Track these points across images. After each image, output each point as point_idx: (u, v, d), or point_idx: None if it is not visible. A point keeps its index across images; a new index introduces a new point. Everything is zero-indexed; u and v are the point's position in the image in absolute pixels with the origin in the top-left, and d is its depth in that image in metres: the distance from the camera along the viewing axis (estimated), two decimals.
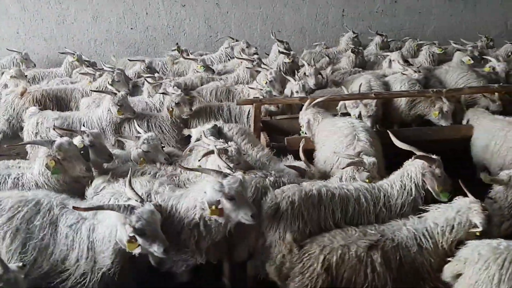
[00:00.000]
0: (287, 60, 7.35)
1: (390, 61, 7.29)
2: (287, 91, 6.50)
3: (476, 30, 11.05)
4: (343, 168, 3.91)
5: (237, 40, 8.83)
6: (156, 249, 2.94)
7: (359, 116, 5.49)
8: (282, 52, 7.54)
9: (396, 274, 3.12)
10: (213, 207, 3.03)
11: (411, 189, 3.51)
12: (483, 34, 10.71)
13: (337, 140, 4.49)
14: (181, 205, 3.30)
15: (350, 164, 3.84)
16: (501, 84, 6.07)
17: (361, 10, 10.40)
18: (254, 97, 5.53)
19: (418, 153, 3.59)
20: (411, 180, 3.52)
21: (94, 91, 6.02)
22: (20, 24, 9.51)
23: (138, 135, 4.53)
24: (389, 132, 4.02)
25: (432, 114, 5.78)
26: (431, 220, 3.21)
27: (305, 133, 5.13)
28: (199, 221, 3.20)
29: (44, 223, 3.19)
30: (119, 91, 5.75)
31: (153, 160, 4.36)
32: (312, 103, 5.24)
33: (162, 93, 5.82)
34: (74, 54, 7.85)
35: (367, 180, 3.73)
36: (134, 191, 3.17)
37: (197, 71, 7.35)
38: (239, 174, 3.21)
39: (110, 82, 6.54)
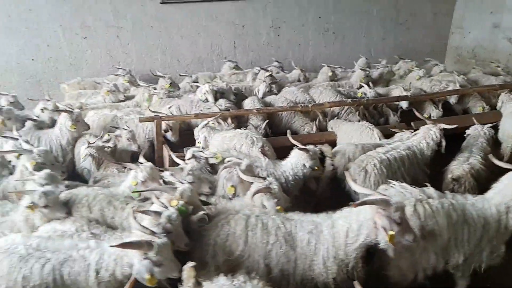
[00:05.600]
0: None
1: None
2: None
3: (346, 58, 13.08)
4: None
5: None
6: (407, 237, 2.96)
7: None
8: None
9: None
10: None
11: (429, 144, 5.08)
12: (352, 61, 12.76)
13: (237, 144, 5.47)
14: None
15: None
16: (354, 99, 7.63)
17: (250, 42, 11.53)
18: (155, 115, 6.30)
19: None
20: (432, 139, 5.09)
21: None
22: None
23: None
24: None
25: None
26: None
27: (202, 147, 5.95)
28: None
29: (279, 239, 3.24)
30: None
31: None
32: (207, 123, 6.22)
33: (59, 111, 6.19)
34: None
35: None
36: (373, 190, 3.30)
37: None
38: None
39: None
